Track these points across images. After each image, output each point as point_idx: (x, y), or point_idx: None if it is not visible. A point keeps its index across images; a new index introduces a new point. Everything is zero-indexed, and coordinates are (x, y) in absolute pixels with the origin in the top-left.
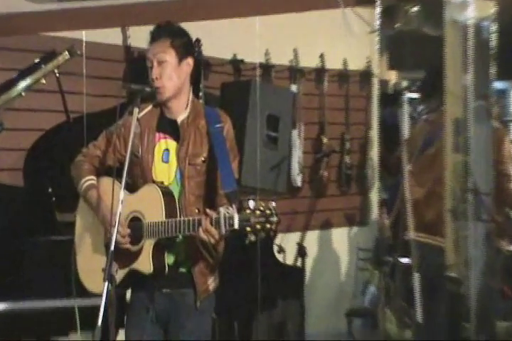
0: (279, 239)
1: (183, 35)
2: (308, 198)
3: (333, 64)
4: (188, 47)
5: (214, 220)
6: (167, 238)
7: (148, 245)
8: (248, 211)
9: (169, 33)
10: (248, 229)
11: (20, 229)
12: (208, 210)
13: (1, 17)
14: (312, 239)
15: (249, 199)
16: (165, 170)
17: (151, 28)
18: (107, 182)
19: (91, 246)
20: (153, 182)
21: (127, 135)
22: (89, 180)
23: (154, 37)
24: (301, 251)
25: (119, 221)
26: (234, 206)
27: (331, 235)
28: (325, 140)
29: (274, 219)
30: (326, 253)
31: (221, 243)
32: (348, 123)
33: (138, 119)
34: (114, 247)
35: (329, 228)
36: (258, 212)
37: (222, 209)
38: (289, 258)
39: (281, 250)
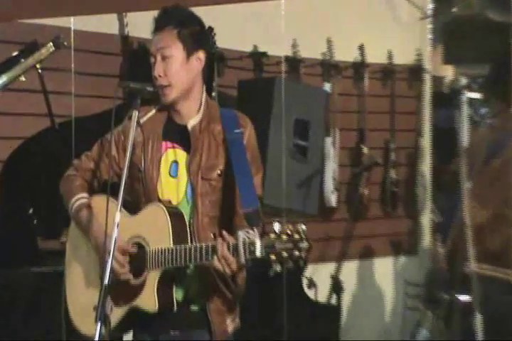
0: (310, 271)
1: (193, 23)
2: (345, 221)
3: (376, 57)
4: (199, 38)
5: (231, 246)
6: (175, 268)
7: (152, 277)
8: (273, 235)
9: (176, 20)
10: (273, 257)
11: None
12: (224, 233)
13: None
14: (350, 270)
15: (273, 221)
16: (173, 186)
17: (153, 13)
18: (102, 200)
19: (84, 279)
20: (159, 200)
21: (127, 144)
22: (81, 198)
23: (159, 25)
24: (337, 286)
25: (114, 248)
26: (255, 229)
27: (373, 266)
28: (365, 150)
29: (305, 245)
30: (367, 288)
31: (241, 274)
32: (394, 129)
33: (140, 125)
34: (112, 280)
35: (370, 257)
36: (284, 237)
37: (241, 233)
38: (321, 294)
39: (311, 284)
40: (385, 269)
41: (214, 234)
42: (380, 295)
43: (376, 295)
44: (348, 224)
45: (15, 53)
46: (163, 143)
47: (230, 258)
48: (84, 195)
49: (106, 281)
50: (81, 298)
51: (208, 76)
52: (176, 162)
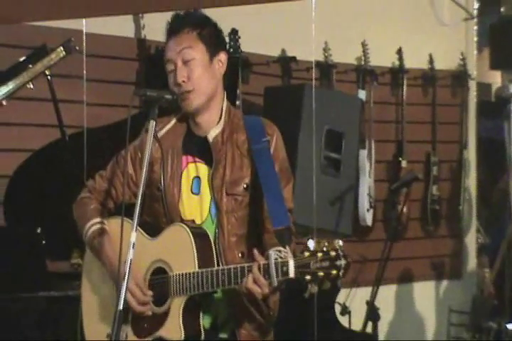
0: (343, 296)
1: (210, 24)
2: (382, 242)
3: (415, 62)
4: (218, 39)
5: (262, 267)
6: (201, 294)
7: (177, 305)
8: (307, 253)
9: (193, 22)
10: (308, 277)
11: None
12: (255, 252)
13: None
14: (387, 296)
15: (308, 238)
16: (196, 204)
17: (170, 15)
18: (119, 223)
19: (101, 306)
20: (182, 221)
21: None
22: (96, 223)
23: (174, 29)
24: (372, 313)
25: (130, 271)
26: (288, 247)
27: (413, 291)
28: (404, 164)
29: (342, 262)
30: (406, 315)
31: (274, 296)
32: (436, 140)
33: (158, 139)
34: (131, 308)
35: (410, 282)
36: (320, 255)
37: (272, 253)
38: (355, 321)
39: (345, 311)
40: (426, 295)
41: (242, 253)
42: (421, 323)
43: (416, 323)
44: (385, 245)
45: (22, 58)
46: (184, 157)
47: (262, 280)
48: (99, 219)
49: (120, 307)
50: (99, 327)
51: (232, 83)
52: (197, 177)
